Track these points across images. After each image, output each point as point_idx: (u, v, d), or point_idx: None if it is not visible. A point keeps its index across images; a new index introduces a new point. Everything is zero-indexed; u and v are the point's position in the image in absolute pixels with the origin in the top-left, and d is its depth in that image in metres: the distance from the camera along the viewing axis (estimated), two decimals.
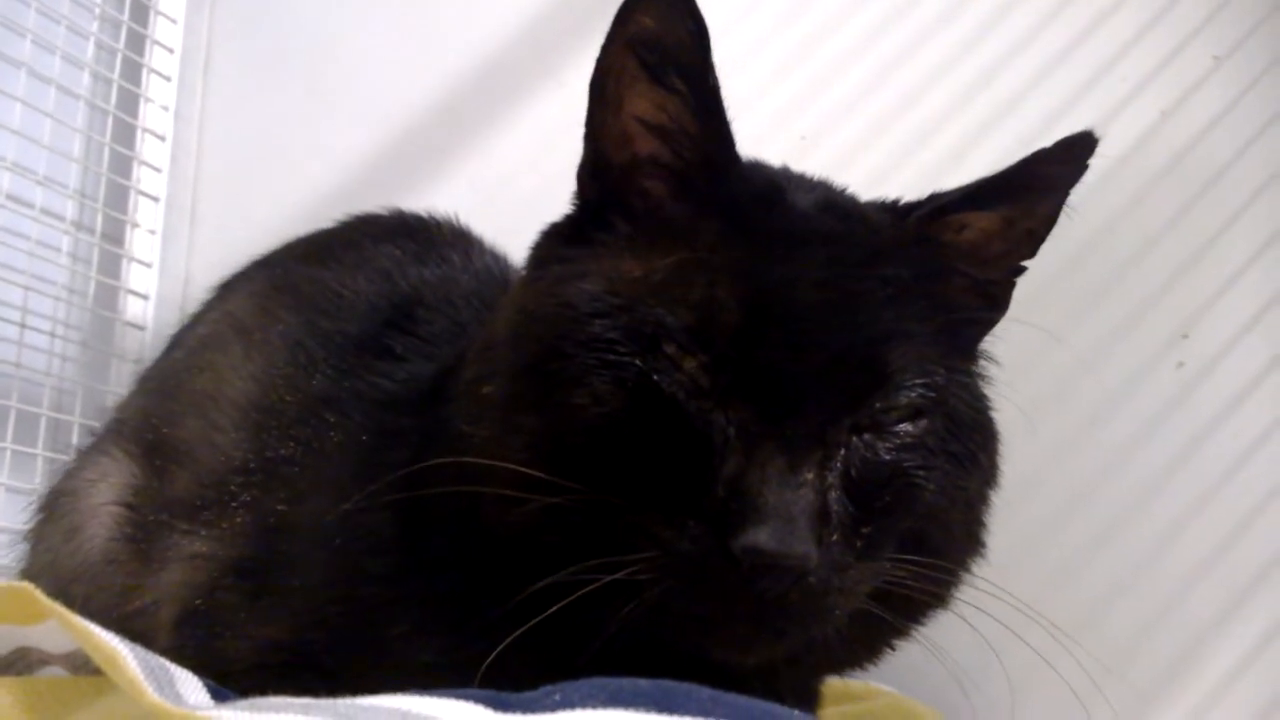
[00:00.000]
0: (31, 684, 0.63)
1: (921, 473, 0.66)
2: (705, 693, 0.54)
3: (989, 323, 0.77)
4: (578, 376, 0.65)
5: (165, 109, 1.67)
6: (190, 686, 0.60)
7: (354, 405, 0.84)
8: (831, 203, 0.74)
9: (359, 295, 0.94)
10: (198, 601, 0.79)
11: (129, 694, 0.53)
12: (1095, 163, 0.73)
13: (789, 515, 0.59)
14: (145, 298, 1.60)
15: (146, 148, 1.64)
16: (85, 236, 1.54)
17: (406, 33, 1.64)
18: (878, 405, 0.66)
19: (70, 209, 1.52)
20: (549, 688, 0.55)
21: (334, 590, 0.74)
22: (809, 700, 0.79)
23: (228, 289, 1.10)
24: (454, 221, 1.07)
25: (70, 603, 0.62)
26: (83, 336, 1.53)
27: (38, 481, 1.31)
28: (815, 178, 0.79)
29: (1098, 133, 0.72)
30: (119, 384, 1.51)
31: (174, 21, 1.70)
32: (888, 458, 0.65)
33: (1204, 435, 1.19)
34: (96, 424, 1.26)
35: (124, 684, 0.53)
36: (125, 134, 1.62)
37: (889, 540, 0.66)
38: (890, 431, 0.66)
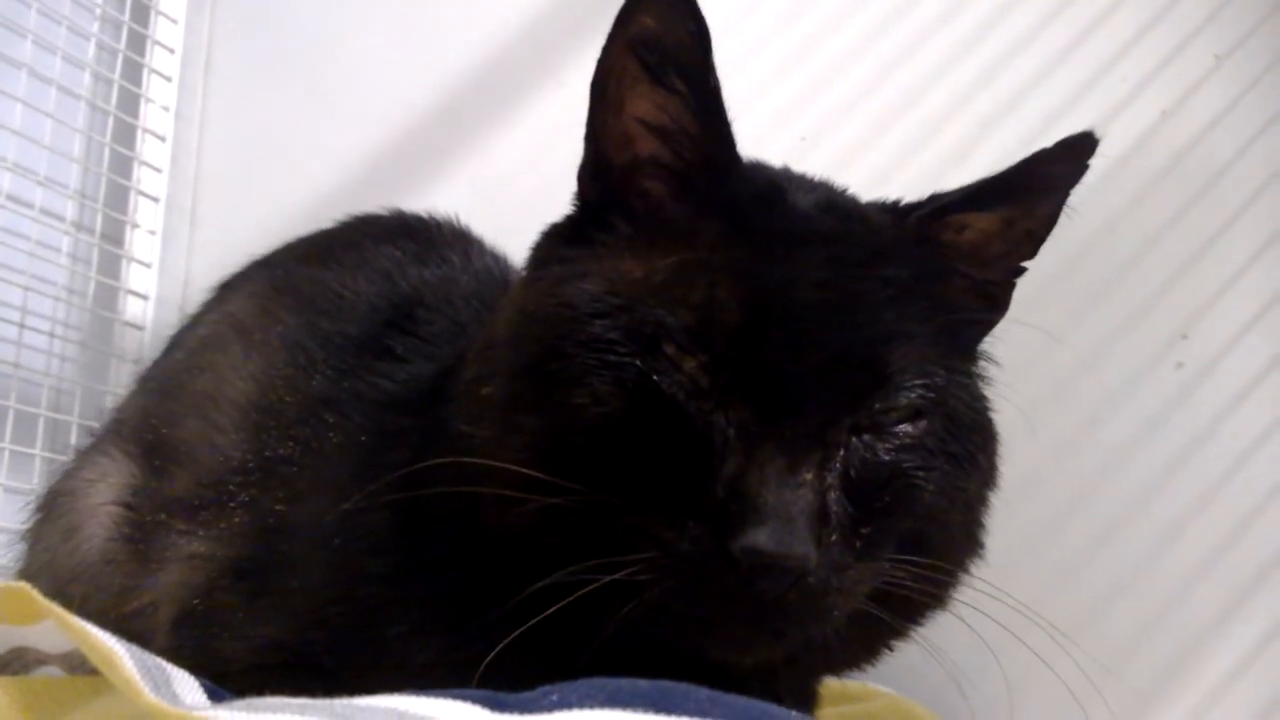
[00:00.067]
0: (28, 684, 0.63)
1: (921, 473, 0.66)
2: (703, 693, 0.54)
3: (989, 323, 0.77)
4: (578, 377, 0.65)
5: (166, 109, 1.67)
6: (187, 686, 0.60)
7: (354, 406, 0.84)
8: (832, 203, 0.74)
9: (359, 296, 0.94)
10: (195, 602, 0.79)
11: (125, 694, 0.53)
12: (1096, 162, 0.73)
13: (788, 516, 0.59)
14: (145, 298, 1.60)
15: (147, 148, 1.64)
16: (85, 237, 1.54)
17: (407, 33, 1.64)
18: (877, 406, 0.65)
19: (70, 209, 1.52)
20: (547, 688, 0.54)
21: (333, 590, 0.74)
22: (807, 701, 0.79)
23: (228, 289, 1.09)
24: (454, 222, 1.07)
25: (68, 603, 0.62)
26: (82, 337, 1.53)
27: (36, 481, 1.31)
28: (816, 178, 0.79)
29: (1098, 132, 0.72)
30: (118, 384, 1.51)
31: (175, 22, 1.70)
32: (887, 458, 0.65)
33: (1204, 436, 1.19)
34: (95, 424, 1.26)
35: (120, 684, 0.53)
36: (125, 134, 1.62)
37: (888, 541, 0.66)
38: (890, 432, 0.66)
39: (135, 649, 0.58)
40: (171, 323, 1.44)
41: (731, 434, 0.63)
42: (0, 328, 1.39)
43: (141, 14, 1.66)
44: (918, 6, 1.38)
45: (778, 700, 0.60)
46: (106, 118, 1.57)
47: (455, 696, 0.54)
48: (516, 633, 0.62)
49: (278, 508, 0.80)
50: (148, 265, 1.62)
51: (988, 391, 0.75)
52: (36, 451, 1.40)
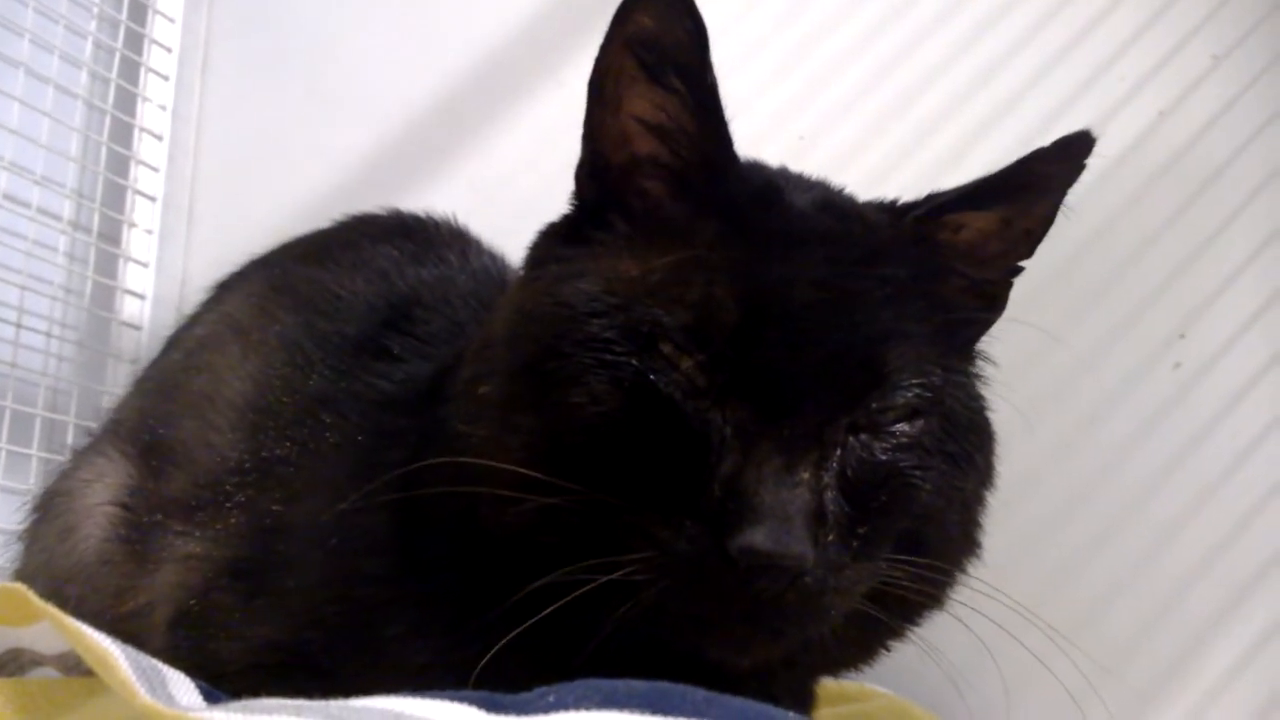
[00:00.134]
0: (23, 685, 0.63)
1: (918, 473, 0.66)
2: (700, 694, 0.54)
3: (986, 323, 0.77)
4: (575, 376, 0.65)
5: (163, 108, 1.67)
6: (182, 688, 0.60)
7: (351, 406, 0.84)
8: (829, 202, 0.74)
9: (357, 296, 0.94)
10: (192, 602, 0.79)
11: (121, 695, 0.53)
12: (1093, 162, 0.73)
13: (785, 515, 0.59)
14: (142, 297, 1.60)
15: (144, 147, 1.64)
16: (82, 236, 1.54)
17: (405, 32, 1.64)
18: (875, 405, 0.65)
19: (67, 208, 1.52)
20: (543, 689, 0.54)
21: (330, 591, 0.74)
22: (804, 702, 0.79)
23: (225, 289, 1.09)
24: (452, 221, 1.07)
25: (64, 603, 0.62)
26: (79, 336, 1.52)
27: (32, 482, 1.31)
28: (813, 178, 0.79)
29: (1096, 132, 0.72)
30: (115, 384, 1.51)
31: (172, 21, 1.70)
32: (884, 458, 0.65)
33: (1202, 435, 1.19)
34: (92, 424, 1.26)
35: (116, 685, 0.53)
36: (123, 133, 1.62)
37: (885, 541, 0.66)
38: (887, 431, 0.66)
39: (131, 650, 0.58)
40: (169, 322, 1.45)
41: (728, 433, 0.63)
42: None
43: (139, 13, 1.65)
44: (916, 6, 1.38)
45: (775, 701, 0.60)
46: (104, 117, 1.56)
47: (452, 698, 0.54)
48: (514, 633, 0.62)
49: (275, 508, 0.80)
50: (145, 264, 1.61)
51: (985, 391, 0.75)
52: (33, 452, 1.39)
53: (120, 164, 1.61)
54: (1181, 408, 1.21)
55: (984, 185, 0.73)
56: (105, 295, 1.57)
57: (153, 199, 1.63)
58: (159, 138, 1.65)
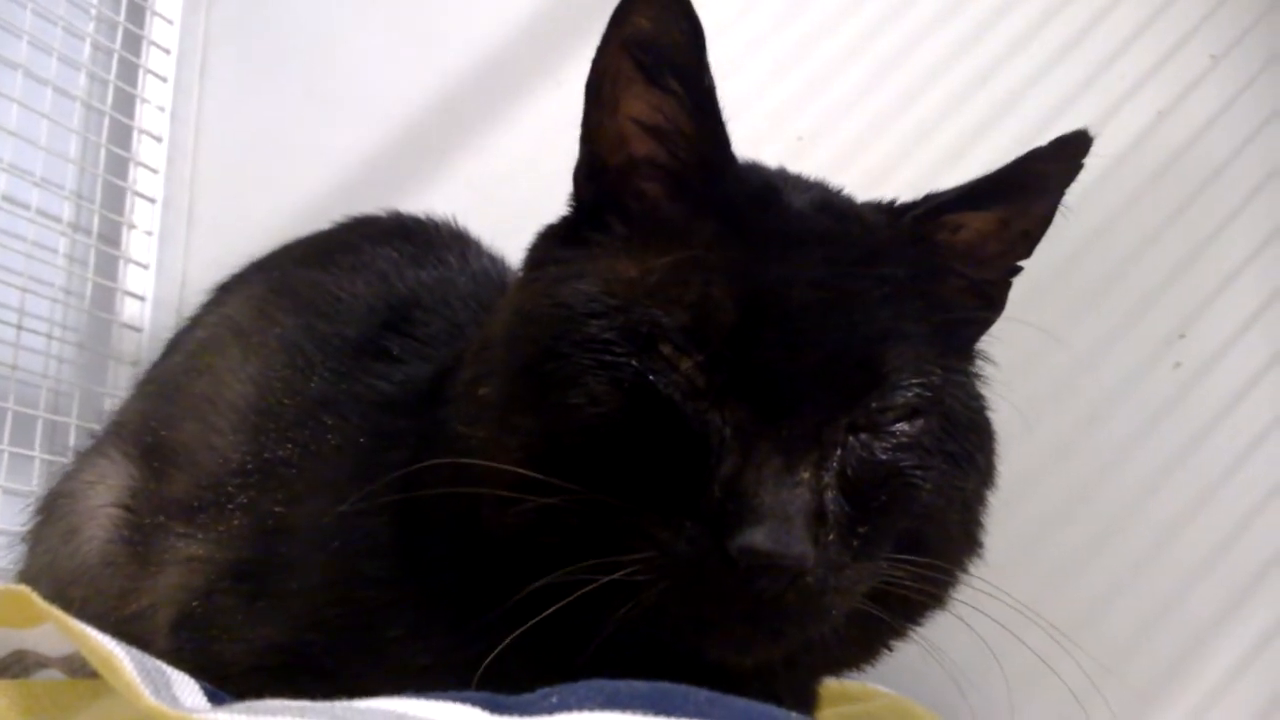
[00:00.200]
0: (28, 687, 0.63)
1: (918, 473, 0.66)
2: (702, 695, 0.54)
3: (985, 323, 0.77)
4: (574, 377, 0.65)
5: (162, 110, 1.66)
6: (187, 689, 0.60)
7: (352, 407, 0.84)
8: (827, 203, 0.74)
9: (357, 298, 0.94)
10: (195, 604, 0.79)
11: (125, 697, 0.53)
12: (1092, 162, 0.73)
13: (785, 515, 0.59)
14: (142, 299, 1.60)
15: (143, 149, 1.64)
16: (82, 238, 1.53)
17: (404, 33, 1.64)
18: (874, 405, 0.65)
19: (67, 210, 1.52)
20: (546, 690, 0.55)
21: (331, 592, 0.74)
22: (806, 702, 0.79)
23: (225, 291, 1.10)
24: (452, 223, 1.07)
25: (68, 605, 0.62)
26: (79, 338, 1.52)
27: (34, 483, 1.31)
28: (811, 178, 0.79)
29: (1094, 132, 0.72)
30: (116, 386, 1.51)
31: (170, 22, 1.69)
32: (884, 457, 0.65)
33: (1202, 435, 1.19)
34: (94, 426, 1.26)
35: (120, 687, 0.53)
36: (122, 135, 1.61)
37: (886, 540, 0.66)
38: (887, 431, 0.66)
39: (135, 652, 0.58)
40: (169, 324, 1.45)
41: (728, 433, 0.63)
42: None
43: (137, 14, 1.65)
44: (914, 6, 1.38)
45: (777, 701, 0.60)
46: (102, 118, 1.56)
47: (454, 699, 0.54)
48: (515, 634, 0.62)
49: (276, 509, 0.80)
50: (145, 266, 1.61)
51: (985, 390, 0.75)
52: (35, 453, 1.39)
53: (119, 166, 1.61)
54: (1182, 407, 1.21)
55: (982, 185, 0.73)
56: (105, 297, 1.57)
57: (152, 201, 1.63)
58: (158, 139, 1.65)
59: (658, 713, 0.51)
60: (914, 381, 0.67)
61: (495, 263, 1.03)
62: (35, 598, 0.60)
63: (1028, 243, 0.76)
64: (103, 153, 1.55)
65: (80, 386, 1.49)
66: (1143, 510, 1.19)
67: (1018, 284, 0.78)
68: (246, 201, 1.65)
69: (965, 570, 0.73)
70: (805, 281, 0.66)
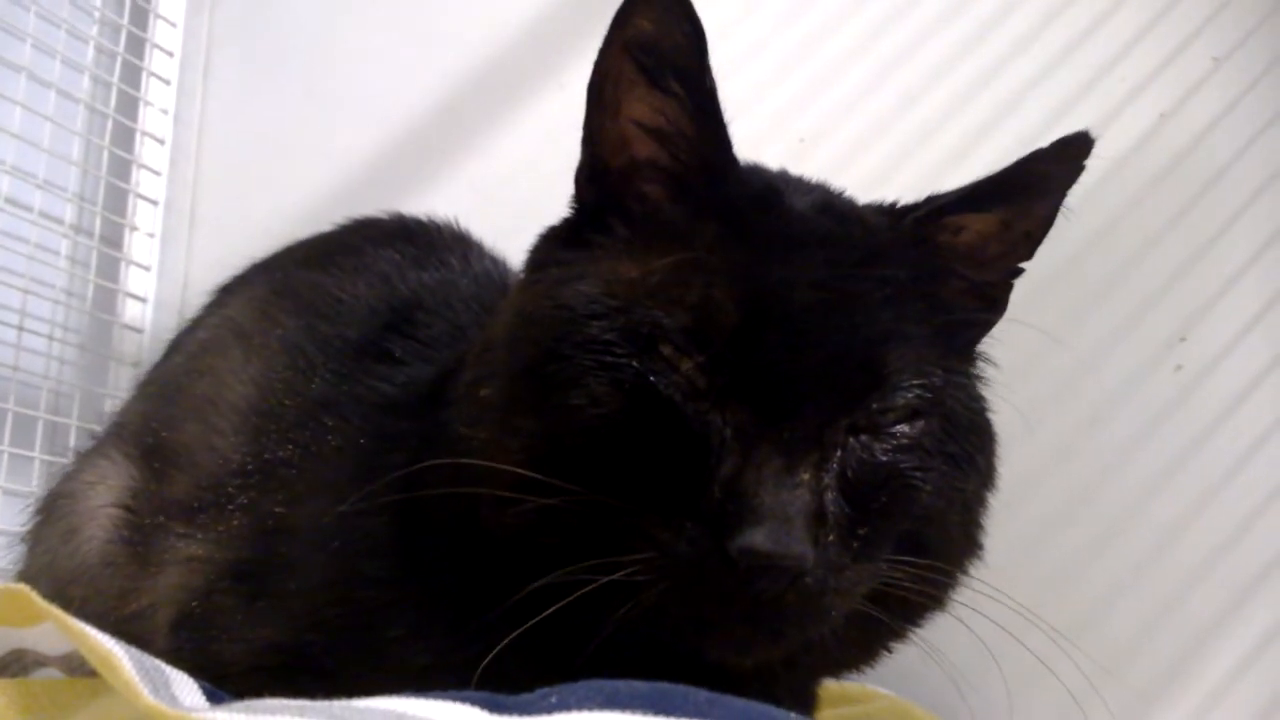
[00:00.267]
0: (27, 685, 0.63)
1: (918, 474, 0.66)
2: (702, 695, 0.54)
3: (987, 324, 0.77)
4: (575, 378, 0.65)
5: (164, 112, 1.67)
6: (186, 689, 0.60)
7: (353, 409, 0.84)
8: (829, 205, 0.74)
9: (358, 299, 0.94)
10: (194, 604, 0.79)
11: (124, 696, 0.53)
12: (1094, 164, 0.73)
13: (785, 516, 0.59)
14: (144, 301, 1.60)
15: (146, 151, 1.65)
16: (84, 240, 1.54)
17: (406, 35, 1.64)
18: (875, 406, 0.65)
19: (69, 212, 1.52)
20: (545, 690, 0.55)
21: (331, 592, 0.74)
22: (806, 703, 0.79)
23: (227, 293, 1.10)
24: (454, 225, 1.07)
25: (68, 605, 0.62)
26: (81, 339, 1.53)
27: (35, 484, 1.31)
28: (813, 180, 0.79)
29: (1096, 134, 0.72)
30: (117, 387, 1.51)
31: (173, 25, 1.70)
32: (884, 459, 0.65)
33: (1203, 437, 1.19)
34: (94, 427, 1.26)
35: (119, 686, 0.54)
36: (124, 137, 1.62)
37: (886, 542, 0.66)
38: (887, 433, 0.66)
39: (134, 651, 0.58)
40: (170, 326, 1.45)
41: (728, 434, 0.63)
42: None
43: (140, 17, 1.66)
44: (916, 7, 1.38)
45: (776, 702, 0.60)
46: (105, 121, 1.57)
47: (454, 698, 0.54)
48: (515, 634, 0.62)
49: (277, 510, 0.80)
50: (146, 268, 1.62)
51: (986, 392, 0.75)
52: (35, 454, 1.40)
53: (122, 168, 1.61)
54: (1183, 410, 1.21)
55: (983, 187, 0.73)
56: (107, 298, 1.58)
57: (154, 202, 1.64)
58: (161, 141, 1.66)
59: (657, 713, 0.52)
60: (915, 383, 0.67)
61: (497, 264, 1.03)
62: (35, 596, 0.60)
63: (1029, 244, 0.76)
64: (105, 155, 1.56)
65: (81, 388, 1.49)
66: (1143, 512, 1.19)
67: (1019, 285, 0.78)
68: (248, 203, 1.65)
69: (965, 572, 0.73)
70: (806, 283, 0.66)
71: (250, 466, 0.84)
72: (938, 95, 1.35)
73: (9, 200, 1.39)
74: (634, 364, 0.64)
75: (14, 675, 0.71)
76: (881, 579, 0.66)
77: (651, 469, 0.63)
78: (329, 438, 0.83)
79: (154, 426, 0.95)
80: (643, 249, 0.69)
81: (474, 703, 0.54)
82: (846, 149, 1.37)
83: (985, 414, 0.73)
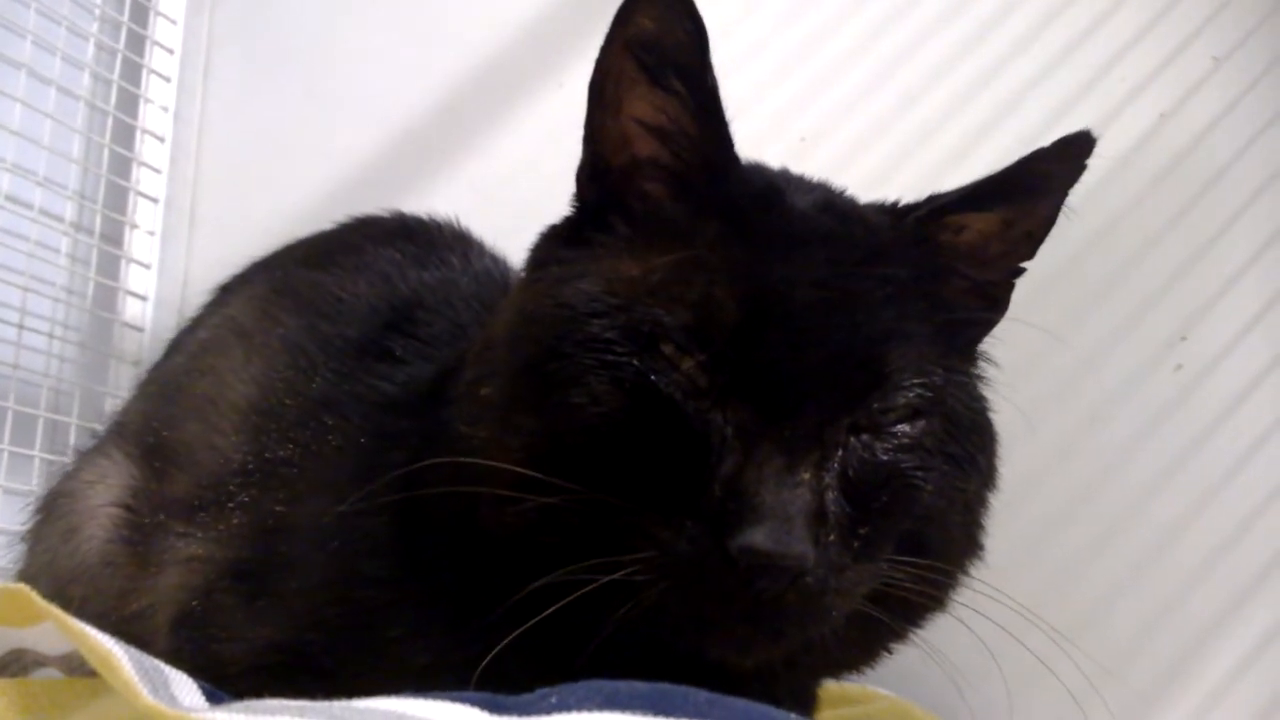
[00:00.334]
0: (26, 685, 0.63)
1: (919, 474, 0.66)
2: (702, 695, 0.54)
3: (988, 324, 0.77)
4: (575, 377, 0.65)
5: (165, 110, 1.67)
6: (185, 688, 0.60)
7: (354, 408, 0.84)
8: (830, 204, 0.74)
9: (359, 298, 0.94)
10: (194, 604, 0.79)
11: (124, 696, 0.53)
12: (1095, 164, 0.73)
13: (786, 515, 0.59)
14: (144, 299, 1.60)
15: (146, 149, 1.64)
16: (84, 238, 1.54)
17: (406, 34, 1.64)
18: (876, 406, 0.65)
19: (69, 210, 1.52)
20: (545, 690, 0.55)
21: (331, 592, 0.74)
22: (806, 703, 0.79)
23: (227, 292, 1.10)
24: (454, 224, 1.07)
25: (68, 604, 0.62)
26: (81, 338, 1.53)
27: (35, 483, 1.31)
28: (814, 179, 0.79)
29: (1097, 133, 0.72)
30: (117, 385, 1.51)
31: (174, 23, 1.70)
32: (885, 458, 0.65)
33: (1204, 437, 1.19)
34: (94, 425, 1.27)
35: (119, 686, 0.53)
36: (125, 135, 1.62)
37: (887, 542, 0.66)
38: (888, 432, 0.66)
39: (134, 651, 0.58)
40: (170, 324, 1.45)
41: (729, 433, 0.63)
42: None
43: (140, 15, 1.66)
44: (917, 7, 1.38)
45: (776, 703, 0.60)
46: (105, 118, 1.57)
47: (454, 699, 0.54)
48: (515, 634, 0.62)
49: (277, 509, 0.80)
50: (147, 266, 1.62)
51: (987, 392, 0.75)
52: (35, 453, 1.39)
53: (122, 165, 1.61)
54: (1183, 409, 1.21)
55: (985, 186, 0.73)
56: (107, 297, 1.58)
57: (154, 200, 1.64)
58: (161, 139, 1.65)
59: (657, 713, 0.51)
60: (916, 382, 0.67)
61: (497, 263, 1.03)
62: (35, 596, 0.60)
63: (1031, 244, 0.76)
64: (106, 152, 1.55)
65: (81, 386, 1.49)
66: (1144, 512, 1.19)
67: (1020, 285, 0.78)
68: (249, 201, 1.65)
69: (966, 572, 0.73)
70: (808, 282, 0.66)
71: (251, 465, 0.84)
72: (938, 94, 1.35)
73: (9, 198, 1.39)
74: (635, 362, 0.64)
75: (14, 675, 0.71)
76: (882, 579, 0.66)
77: (652, 468, 0.63)
78: (329, 437, 0.83)
79: (155, 425, 0.95)
80: (644, 247, 0.69)
81: (474, 703, 0.54)
82: (847, 148, 1.37)
83: (986, 414, 0.73)
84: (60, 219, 1.50)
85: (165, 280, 1.62)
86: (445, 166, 1.56)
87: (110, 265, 1.58)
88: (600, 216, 0.73)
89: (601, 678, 0.56)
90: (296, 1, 1.72)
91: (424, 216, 1.07)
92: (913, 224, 0.73)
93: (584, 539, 0.63)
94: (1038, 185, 0.74)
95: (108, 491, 0.93)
